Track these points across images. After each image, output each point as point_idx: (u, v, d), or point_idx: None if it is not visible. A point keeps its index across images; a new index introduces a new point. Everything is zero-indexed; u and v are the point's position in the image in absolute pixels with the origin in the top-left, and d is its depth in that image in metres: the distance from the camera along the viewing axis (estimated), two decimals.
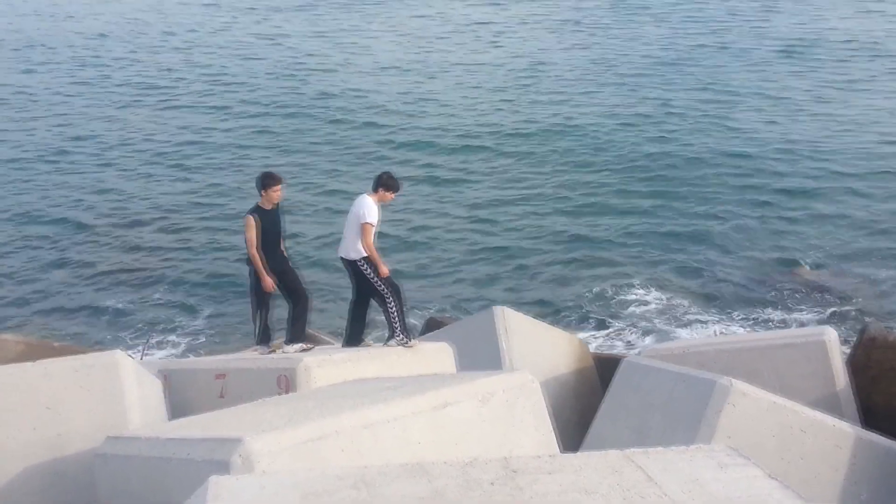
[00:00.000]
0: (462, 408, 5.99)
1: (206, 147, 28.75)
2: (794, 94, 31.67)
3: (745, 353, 9.97)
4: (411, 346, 8.99)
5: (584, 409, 10.36)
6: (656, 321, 16.28)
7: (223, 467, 4.79)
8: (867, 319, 14.13)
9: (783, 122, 28.42)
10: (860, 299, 16.45)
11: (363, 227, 8.81)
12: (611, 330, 16.16)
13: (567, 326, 15.69)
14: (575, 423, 10.17)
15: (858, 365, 10.34)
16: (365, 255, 8.90)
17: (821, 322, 14.91)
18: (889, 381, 10.21)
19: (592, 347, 13.66)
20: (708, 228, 20.49)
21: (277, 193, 8.95)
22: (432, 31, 46.35)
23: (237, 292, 18.37)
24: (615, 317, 16.64)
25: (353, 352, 9.03)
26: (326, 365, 8.17)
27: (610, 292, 17.67)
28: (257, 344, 9.10)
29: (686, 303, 17.09)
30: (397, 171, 24.64)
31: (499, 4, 51.62)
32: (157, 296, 18.63)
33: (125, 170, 26.58)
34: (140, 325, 17.37)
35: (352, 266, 9.07)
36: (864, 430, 8.62)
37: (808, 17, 44.80)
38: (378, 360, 8.70)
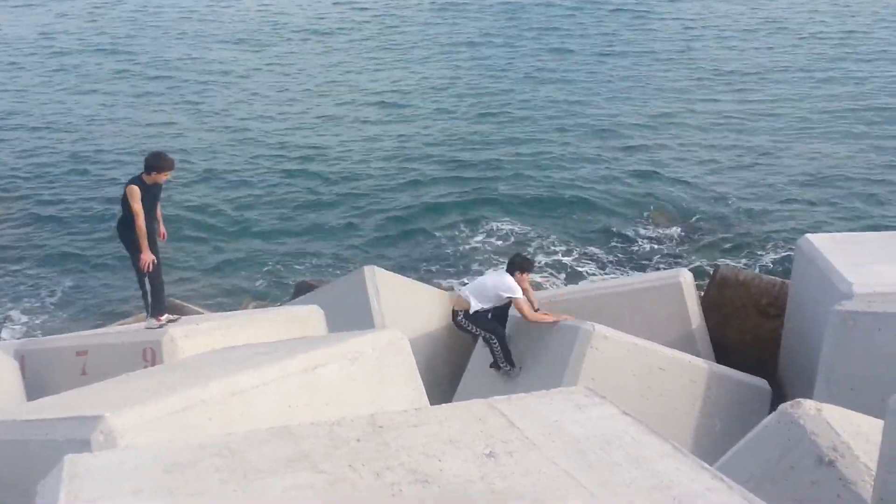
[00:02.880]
0: (332, 369, 5.98)
1: (50, 110, 27.45)
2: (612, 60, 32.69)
3: (608, 298, 10.31)
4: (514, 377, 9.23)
5: (456, 362, 10.52)
6: None
7: (84, 446, 4.63)
8: (719, 261, 14.82)
9: (620, 81, 29.35)
10: (712, 242, 17.24)
11: None
12: None
13: (438, 283, 15.86)
14: (448, 377, 10.33)
15: (712, 304, 10.87)
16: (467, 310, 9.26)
17: (677, 265, 15.53)
18: (740, 318, 10.78)
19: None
20: (563, 181, 20.97)
21: (166, 177, 8.61)
22: None
23: (98, 265, 17.69)
24: (484, 271, 16.88)
25: (220, 319, 8.86)
26: (194, 335, 7.98)
27: (479, 247, 17.90)
28: (149, 316, 8.71)
29: (551, 252, 17.53)
30: (247, 138, 24.46)
31: None
32: (9, 271, 17.67)
33: None
34: None
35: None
36: (717, 365, 9.11)
37: None
38: (247, 326, 8.55)
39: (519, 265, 9.42)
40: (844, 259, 8.65)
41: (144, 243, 8.35)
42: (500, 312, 9.41)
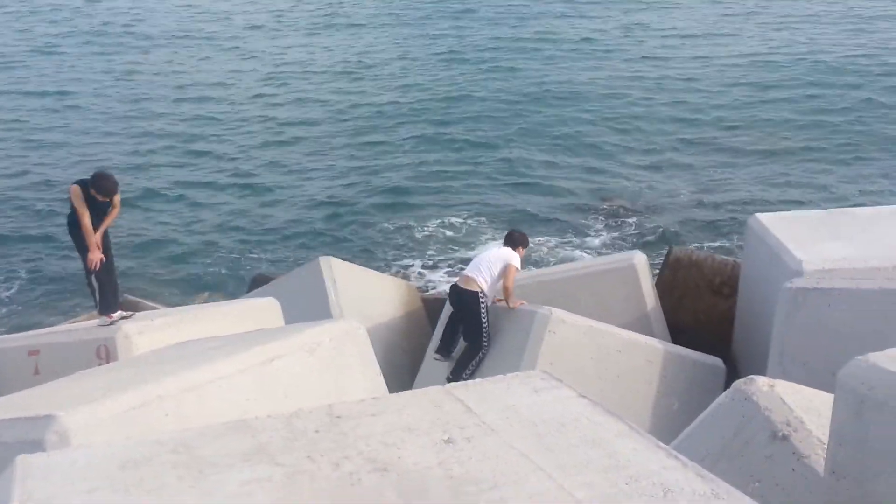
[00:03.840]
0: (289, 360, 5.94)
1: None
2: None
3: (565, 282, 10.37)
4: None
5: (415, 351, 10.51)
6: None
7: (37, 446, 4.54)
8: (673, 244, 14.97)
9: (568, 66, 29.49)
10: (665, 225, 17.42)
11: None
12: (438, 270, 16.39)
13: (394, 271, 15.83)
14: (407, 365, 10.32)
15: (666, 285, 11.00)
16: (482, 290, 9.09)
17: (632, 247, 15.68)
18: (693, 298, 10.92)
19: (421, 289, 13.82)
20: (517, 170, 21.03)
21: (105, 199, 8.39)
22: None
23: (49, 263, 17.37)
24: (441, 258, 16.87)
25: (175, 314, 8.74)
26: (148, 331, 7.87)
27: (434, 236, 17.88)
28: (99, 313, 8.54)
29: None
30: (195, 146, 24.15)
31: None
32: None
33: None
34: None
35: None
36: (672, 346, 9.21)
37: None
38: (203, 321, 8.45)
39: (518, 240, 9.53)
40: (793, 237, 8.80)
41: (91, 242, 8.21)
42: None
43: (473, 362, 9.01)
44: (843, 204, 16.59)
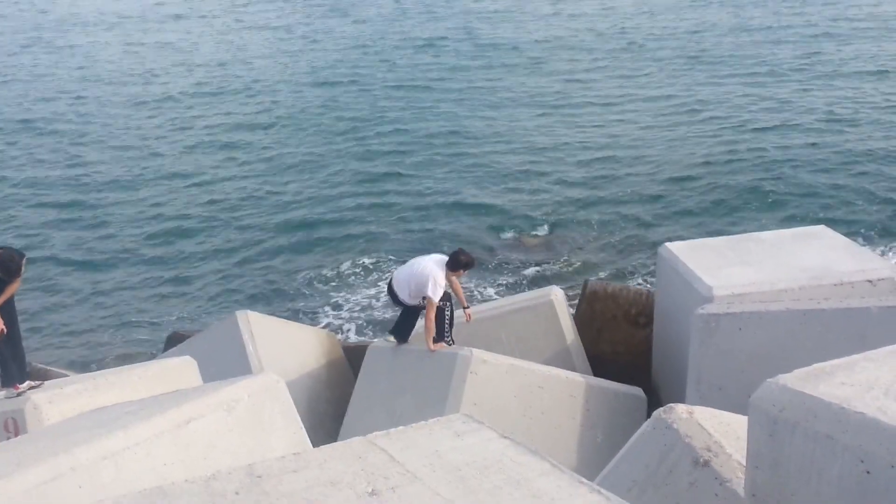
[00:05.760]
0: (207, 420, 5.80)
1: None
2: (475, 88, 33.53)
3: (485, 322, 10.41)
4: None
5: (339, 401, 10.40)
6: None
7: None
8: (588, 277, 15.19)
9: (477, 105, 30.03)
10: (579, 258, 17.68)
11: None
12: (356, 317, 16.28)
13: (312, 321, 15.66)
14: (332, 416, 10.20)
15: (584, 318, 11.14)
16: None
17: (548, 282, 15.84)
18: (611, 330, 11.09)
19: (340, 338, 13.72)
20: (429, 205, 21.10)
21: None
22: None
23: None
24: (358, 304, 16.76)
25: (87, 380, 8.45)
26: (58, 400, 7.58)
27: (350, 280, 17.75)
28: (5, 385, 8.16)
29: None
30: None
31: None
32: None
33: None
34: None
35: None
36: (593, 378, 9.33)
37: None
38: (116, 385, 8.19)
39: (454, 262, 9.18)
40: (702, 264, 9.04)
41: None
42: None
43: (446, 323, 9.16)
44: (748, 228, 17.10)
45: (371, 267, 18.13)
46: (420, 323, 9.50)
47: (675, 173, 21.79)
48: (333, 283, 17.60)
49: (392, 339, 9.59)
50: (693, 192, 20.59)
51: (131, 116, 31.14)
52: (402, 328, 9.52)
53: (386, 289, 9.68)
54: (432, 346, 8.95)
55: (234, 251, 19.50)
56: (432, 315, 8.91)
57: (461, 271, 9.32)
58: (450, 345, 9.19)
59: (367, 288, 17.26)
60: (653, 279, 15.13)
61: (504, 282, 16.99)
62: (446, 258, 9.18)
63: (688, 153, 23.15)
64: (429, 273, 8.93)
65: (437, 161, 24.22)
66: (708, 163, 22.26)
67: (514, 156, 24.30)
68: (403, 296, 9.19)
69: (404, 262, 10.43)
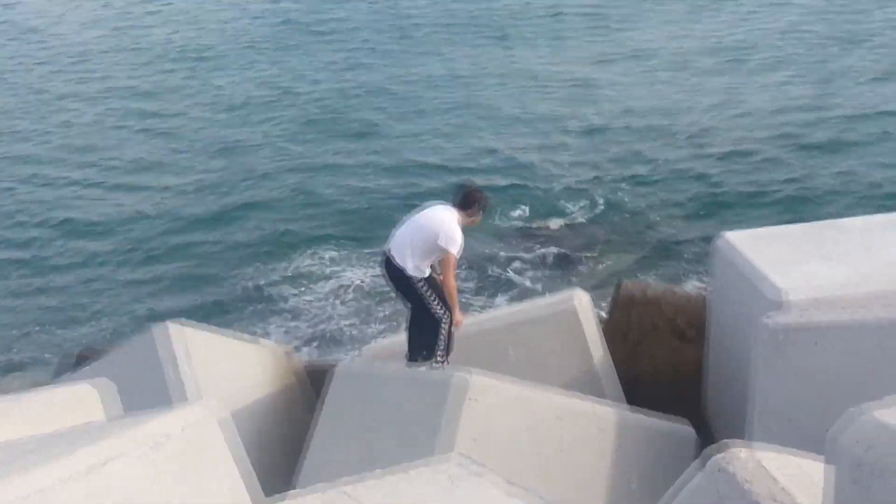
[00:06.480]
0: (129, 461, 5.83)
1: None
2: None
3: (489, 334, 10.43)
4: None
5: (297, 436, 10.44)
6: (375, 310, 16.48)
7: None
8: (622, 277, 15.22)
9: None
10: (611, 253, 17.69)
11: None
12: (318, 327, 16.31)
13: (263, 332, 15.70)
14: (288, 454, 10.24)
15: (617, 330, 11.16)
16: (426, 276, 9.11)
17: (571, 284, 15.86)
18: (652, 343, 11.10)
19: (300, 354, 13.77)
20: (412, 170, 21.12)
21: None
22: None
23: None
24: (319, 310, 16.79)
25: None
26: None
27: (307, 278, 17.79)
28: None
29: None
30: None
31: None
32: None
33: None
34: None
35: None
36: (627, 409, 9.35)
37: None
38: (14, 416, 8.19)
39: (465, 200, 9.47)
40: (769, 260, 9.02)
41: None
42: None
43: (442, 337, 9.26)
44: (830, 214, 17.14)
45: (335, 258, 18.16)
46: (394, 339, 9.63)
47: (737, 146, 21.79)
48: (286, 285, 17.63)
49: (416, 362, 9.57)
50: (761, 170, 20.60)
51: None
52: (420, 339, 9.59)
53: (380, 269, 9.65)
54: (459, 317, 9.02)
55: (158, 249, 19.53)
56: (452, 276, 9.10)
57: (477, 212, 9.41)
58: (443, 365, 9.25)
59: (329, 288, 17.27)
60: (706, 279, 15.17)
61: (514, 282, 17.03)
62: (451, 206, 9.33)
63: (757, 121, 23.18)
64: (438, 219, 9.09)
65: (424, 111, 24.20)
66: (784, 135, 22.25)
67: (528, 113, 24.31)
68: (407, 264, 9.20)
69: (376, 253, 10.56)
